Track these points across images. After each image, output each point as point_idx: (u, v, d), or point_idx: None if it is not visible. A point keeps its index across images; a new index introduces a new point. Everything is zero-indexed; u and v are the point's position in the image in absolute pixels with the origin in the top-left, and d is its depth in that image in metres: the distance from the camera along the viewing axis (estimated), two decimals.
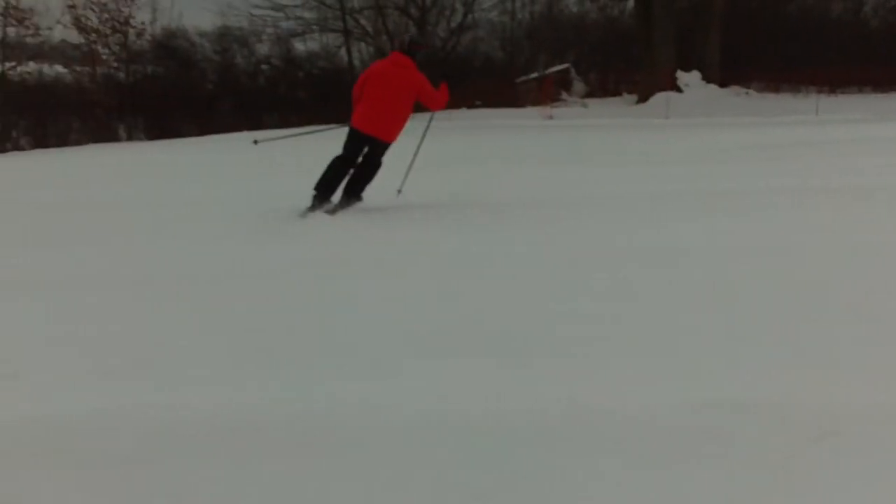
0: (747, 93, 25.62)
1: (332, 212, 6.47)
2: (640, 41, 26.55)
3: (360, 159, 6.67)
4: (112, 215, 7.28)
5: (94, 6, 27.98)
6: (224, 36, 30.66)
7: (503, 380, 2.79)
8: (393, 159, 6.83)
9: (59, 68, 29.24)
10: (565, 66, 29.97)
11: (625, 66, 29.36)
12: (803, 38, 26.09)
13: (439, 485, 2.13)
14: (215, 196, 8.08)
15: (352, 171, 6.66)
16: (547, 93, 26.63)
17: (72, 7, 27.68)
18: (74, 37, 28.47)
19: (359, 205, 6.69)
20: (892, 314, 3.38)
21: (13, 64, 27.55)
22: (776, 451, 2.22)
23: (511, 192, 7.63)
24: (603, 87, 30.40)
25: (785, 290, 3.81)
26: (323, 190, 6.55)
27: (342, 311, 3.78)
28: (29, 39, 27.42)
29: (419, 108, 6.81)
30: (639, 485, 2.09)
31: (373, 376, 2.88)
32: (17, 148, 24.89)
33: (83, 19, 28.06)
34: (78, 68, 29.04)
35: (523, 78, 29.39)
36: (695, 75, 25.41)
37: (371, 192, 6.78)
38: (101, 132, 26.10)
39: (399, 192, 7.17)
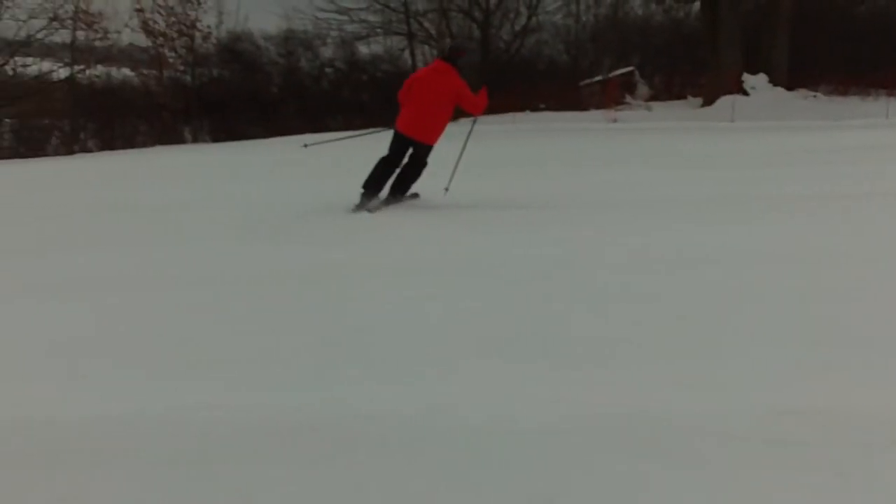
0: (815, 96, 24.85)
1: (374, 209, 6.74)
2: (705, 43, 26.02)
3: (405, 160, 6.97)
4: (160, 216, 7.35)
5: (161, 10, 28.75)
6: (289, 39, 31.00)
7: (556, 383, 2.78)
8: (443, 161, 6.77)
9: (127, 71, 29.91)
10: (630, 68, 29.53)
11: (690, 69, 28.76)
12: (873, 40, 25.15)
13: (465, 487, 2.10)
14: (266, 198, 8.10)
15: (397, 171, 6.98)
16: (611, 96, 26.30)
17: (139, 11, 28.47)
18: (142, 40, 29.15)
19: (415, 201, 7.10)
20: None
21: (82, 67, 28.18)
22: (846, 456, 2.18)
23: (563, 195, 7.51)
24: (668, 90, 29.83)
25: (820, 295, 3.73)
26: (370, 188, 6.87)
27: (369, 316, 3.75)
28: (97, 43, 28.06)
29: (460, 113, 6.91)
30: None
31: (399, 381, 2.88)
32: (85, 150, 25.42)
33: (150, 23, 28.81)
34: (145, 71, 29.76)
35: (587, 81, 29.04)
36: (761, 78, 24.76)
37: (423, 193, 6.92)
38: (167, 135, 26.69)
39: (446, 189, 7.33)
